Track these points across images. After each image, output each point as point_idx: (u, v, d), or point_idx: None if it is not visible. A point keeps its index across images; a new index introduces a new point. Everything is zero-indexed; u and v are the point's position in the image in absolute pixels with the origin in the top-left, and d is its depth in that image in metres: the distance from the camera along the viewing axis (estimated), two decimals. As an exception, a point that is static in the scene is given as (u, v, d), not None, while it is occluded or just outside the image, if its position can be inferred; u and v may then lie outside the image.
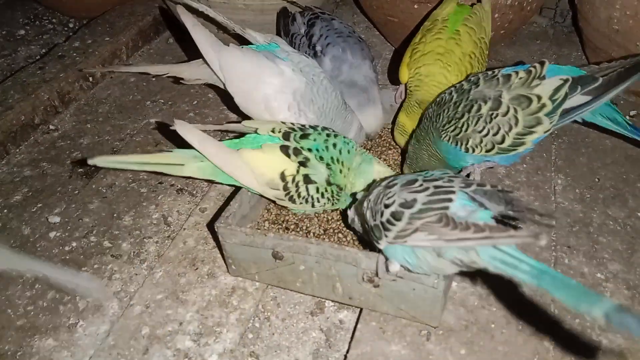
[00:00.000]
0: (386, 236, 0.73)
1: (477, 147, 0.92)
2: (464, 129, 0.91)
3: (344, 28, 1.21)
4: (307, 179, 0.90)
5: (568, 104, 0.88)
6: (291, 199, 0.91)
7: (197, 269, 0.96)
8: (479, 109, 0.90)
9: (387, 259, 0.77)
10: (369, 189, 0.86)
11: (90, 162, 0.89)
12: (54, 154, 1.25)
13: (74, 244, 1.03)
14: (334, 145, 0.93)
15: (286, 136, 0.92)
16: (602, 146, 1.23)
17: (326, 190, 0.92)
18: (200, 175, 0.93)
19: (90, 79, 1.47)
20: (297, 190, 0.90)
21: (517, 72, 0.89)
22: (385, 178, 0.81)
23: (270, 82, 1.00)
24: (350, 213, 0.87)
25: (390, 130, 1.23)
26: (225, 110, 1.38)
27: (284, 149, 0.90)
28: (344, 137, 0.96)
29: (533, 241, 0.63)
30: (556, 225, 1.03)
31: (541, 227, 0.64)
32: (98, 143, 1.29)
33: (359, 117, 1.13)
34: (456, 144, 0.93)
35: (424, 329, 0.83)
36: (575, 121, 0.94)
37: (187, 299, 0.91)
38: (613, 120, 0.96)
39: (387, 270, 0.77)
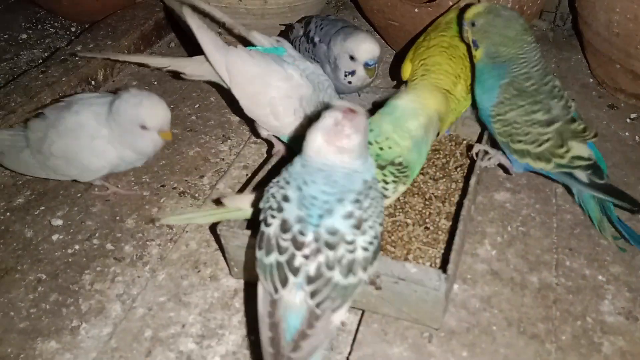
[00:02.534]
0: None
1: (504, 125, 0.97)
2: (514, 107, 0.96)
3: (339, 20, 1.23)
4: None
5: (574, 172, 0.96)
6: None
7: (199, 271, 0.97)
8: (537, 111, 0.95)
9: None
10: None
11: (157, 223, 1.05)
12: (56, 157, 1.26)
13: (77, 247, 1.03)
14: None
15: None
16: (602, 149, 1.23)
17: (385, 175, 0.86)
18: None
19: (93, 82, 1.48)
20: None
21: (580, 121, 0.97)
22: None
23: (278, 86, 1.00)
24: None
25: None
26: (227, 113, 1.39)
27: None
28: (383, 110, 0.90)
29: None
30: (558, 227, 1.03)
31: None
32: (100, 146, 1.29)
33: (349, 44, 1.11)
34: (497, 103, 0.98)
35: (426, 331, 0.84)
36: (570, 191, 1.05)
37: (189, 301, 0.92)
38: (605, 215, 1.00)
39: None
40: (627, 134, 1.29)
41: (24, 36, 1.84)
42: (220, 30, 1.35)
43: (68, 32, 1.87)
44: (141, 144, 1.03)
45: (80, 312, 0.91)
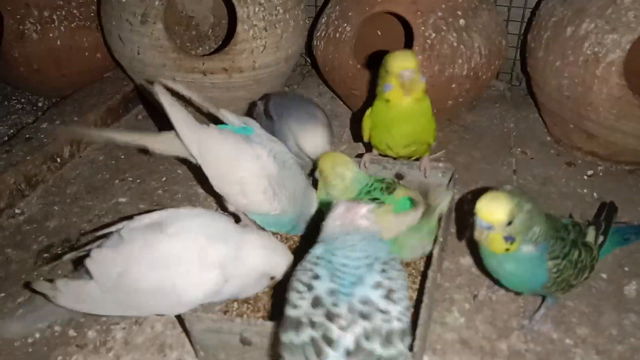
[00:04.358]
0: None
1: (561, 289, 0.91)
2: (564, 271, 0.89)
3: (296, 95, 1.30)
4: None
5: None
6: None
7: (165, 355, 0.94)
8: (578, 256, 0.90)
9: None
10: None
11: None
12: (19, 239, 1.23)
13: (37, 335, 0.99)
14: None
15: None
16: (563, 207, 1.26)
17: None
18: None
19: (58, 159, 1.47)
20: None
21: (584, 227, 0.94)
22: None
23: (247, 166, 1.02)
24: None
25: None
26: (194, 186, 1.39)
27: None
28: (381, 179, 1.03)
29: None
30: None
31: None
32: (65, 225, 1.27)
33: (300, 139, 1.18)
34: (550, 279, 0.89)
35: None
36: None
37: (154, 389, 0.89)
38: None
39: None
40: (585, 190, 1.33)
41: (-10, 112, 1.84)
42: (188, 107, 1.37)
43: (35, 107, 1.87)
44: (252, 290, 0.95)
45: (40, 407, 0.88)
